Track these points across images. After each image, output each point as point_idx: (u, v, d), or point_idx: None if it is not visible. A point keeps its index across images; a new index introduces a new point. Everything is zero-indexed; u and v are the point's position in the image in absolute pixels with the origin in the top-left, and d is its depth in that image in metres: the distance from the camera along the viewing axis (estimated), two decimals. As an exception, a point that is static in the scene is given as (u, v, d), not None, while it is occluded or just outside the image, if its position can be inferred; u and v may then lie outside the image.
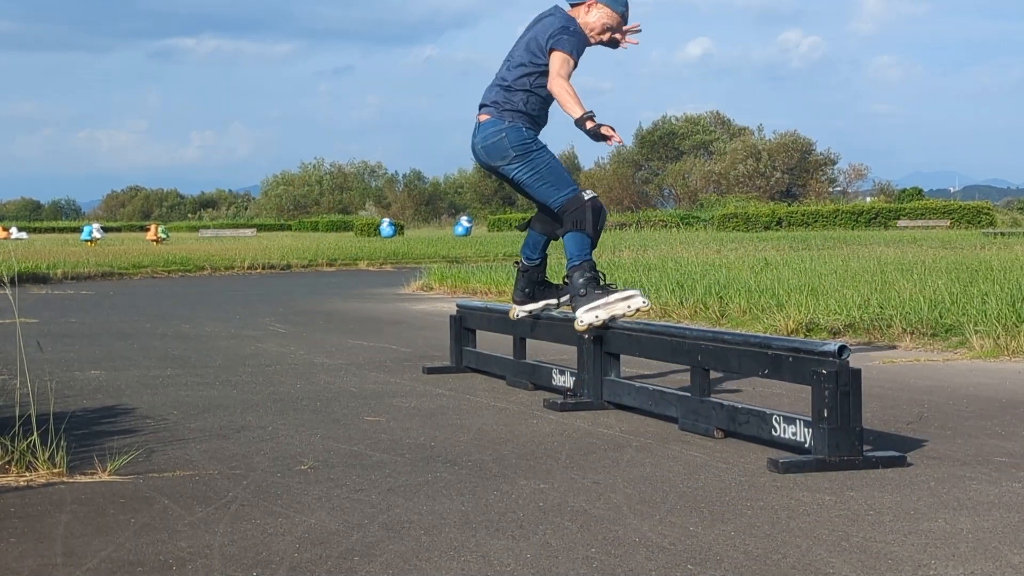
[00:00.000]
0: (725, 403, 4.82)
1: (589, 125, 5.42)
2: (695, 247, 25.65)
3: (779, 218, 53.27)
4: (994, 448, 4.57)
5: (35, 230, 74.13)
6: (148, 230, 42.86)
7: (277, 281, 19.65)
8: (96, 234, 41.70)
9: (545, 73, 5.59)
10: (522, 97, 5.69)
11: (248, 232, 60.46)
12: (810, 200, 63.40)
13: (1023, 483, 3.96)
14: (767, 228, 50.98)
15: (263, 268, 22.83)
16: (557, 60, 5.54)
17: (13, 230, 56.35)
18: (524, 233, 6.20)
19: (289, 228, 73.61)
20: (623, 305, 5.53)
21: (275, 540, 3.31)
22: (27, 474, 4.13)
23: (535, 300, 6.16)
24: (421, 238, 42.44)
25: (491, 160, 5.73)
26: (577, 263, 5.65)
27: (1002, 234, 33.75)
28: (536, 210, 6.04)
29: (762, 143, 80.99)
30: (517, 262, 6.18)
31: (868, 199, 71.09)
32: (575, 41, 5.59)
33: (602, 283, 5.64)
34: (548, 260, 6.23)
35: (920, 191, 73.87)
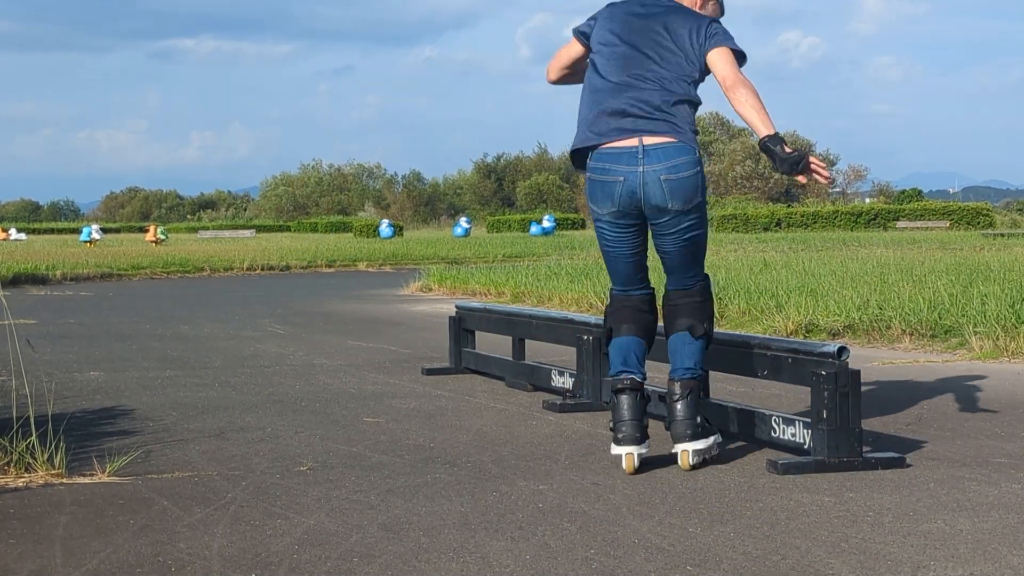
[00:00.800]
0: (724, 404, 4.82)
1: (787, 150, 4.13)
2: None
3: (778, 219, 53.28)
4: (993, 449, 4.57)
5: (34, 231, 74.11)
6: (147, 231, 42.86)
7: (276, 282, 19.65)
8: (95, 235, 41.69)
9: (696, 83, 4.27)
10: (690, 116, 4.25)
11: (247, 233, 60.45)
12: (809, 201, 63.38)
13: (1022, 484, 3.96)
14: (766, 229, 50.99)
15: (262, 269, 22.83)
16: (729, 58, 4.20)
17: (12, 231, 56.33)
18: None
19: (288, 229, 73.61)
20: (715, 451, 4.40)
21: (274, 541, 3.31)
22: (26, 475, 4.13)
23: (645, 432, 4.32)
24: (420, 239, 42.45)
25: (668, 200, 4.20)
26: (698, 377, 4.37)
27: (1001, 235, 33.77)
28: (616, 304, 4.55)
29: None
30: (621, 387, 4.33)
31: (867, 200, 71.10)
32: (730, 34, 4.31)
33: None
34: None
35: (919, 192, 73.85)
